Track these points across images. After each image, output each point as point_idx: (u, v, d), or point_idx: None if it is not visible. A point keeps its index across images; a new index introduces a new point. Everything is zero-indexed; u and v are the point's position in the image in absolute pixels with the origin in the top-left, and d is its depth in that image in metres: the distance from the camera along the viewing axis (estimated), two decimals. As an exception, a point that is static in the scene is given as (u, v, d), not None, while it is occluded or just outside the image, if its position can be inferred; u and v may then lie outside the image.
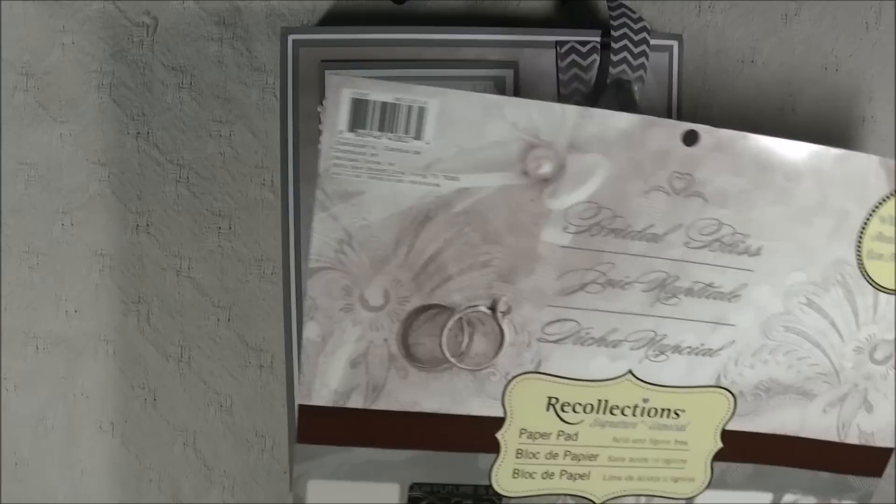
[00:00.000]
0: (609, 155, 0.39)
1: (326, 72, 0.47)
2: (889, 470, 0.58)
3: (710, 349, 0.43)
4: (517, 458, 0.44)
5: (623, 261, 0.41)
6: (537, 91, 0.47)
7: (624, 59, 0.46)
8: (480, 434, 0.43)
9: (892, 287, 0.44)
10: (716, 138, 0.40)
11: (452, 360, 0.41)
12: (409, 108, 0.38)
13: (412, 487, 0.43)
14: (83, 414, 0.54)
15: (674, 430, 0.45)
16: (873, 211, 0.42)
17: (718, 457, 0.46)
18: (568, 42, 0.47)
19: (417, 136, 0.38)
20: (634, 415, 0.44)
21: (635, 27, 0.46)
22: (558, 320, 0.41)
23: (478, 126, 0.37)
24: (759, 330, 0.43)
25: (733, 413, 0.45)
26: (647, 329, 0.43)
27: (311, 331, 0.39)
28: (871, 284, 0.44)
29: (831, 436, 0.46)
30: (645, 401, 0.44)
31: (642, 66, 0.46)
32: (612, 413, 0.44)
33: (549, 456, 0.44)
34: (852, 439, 0.47)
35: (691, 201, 0.41)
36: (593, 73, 0.47)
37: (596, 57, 0.47)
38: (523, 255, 0.40)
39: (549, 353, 0.42)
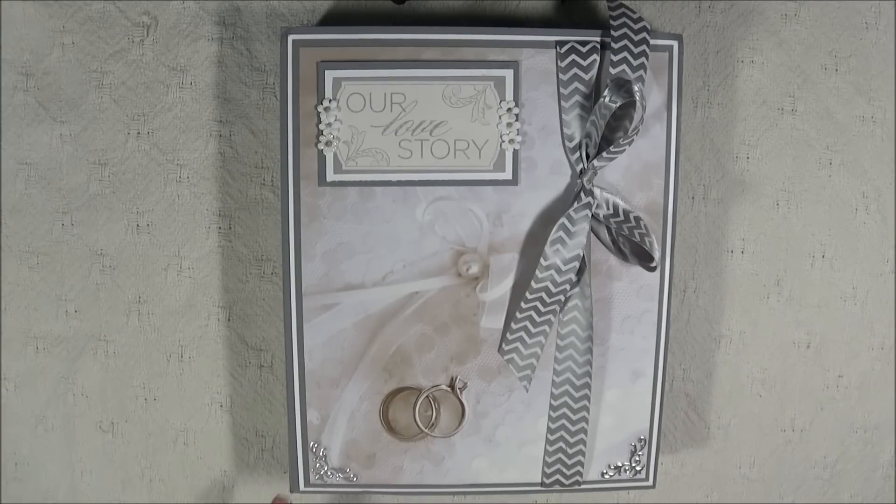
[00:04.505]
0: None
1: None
2: (889, 470, 0.58)
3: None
4: None
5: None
6: (537, 91, 0.47)
7: (624, 59, 0.46)
8: None
9: None
10: None
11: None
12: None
13: None
14: (83, 414, 0.54)
15: None
16: None
17: None
18: (568, 42, 0.47)
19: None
20: None
21: (635, 27, 0.46)
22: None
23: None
24: None
25: None
26: None
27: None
28: None
29: None
30: None
31: (642, 66, 0.46)
32: None
33: None
34: None
35: None
36: (593, 73, 0.47)
37: (596, 57, 0.47)
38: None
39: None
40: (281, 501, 0.50)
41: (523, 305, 0.47)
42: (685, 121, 0.53)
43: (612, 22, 0.46)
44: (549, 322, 0.48)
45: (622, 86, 0.44)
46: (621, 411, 0.51)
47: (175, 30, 0.51)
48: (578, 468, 0.51)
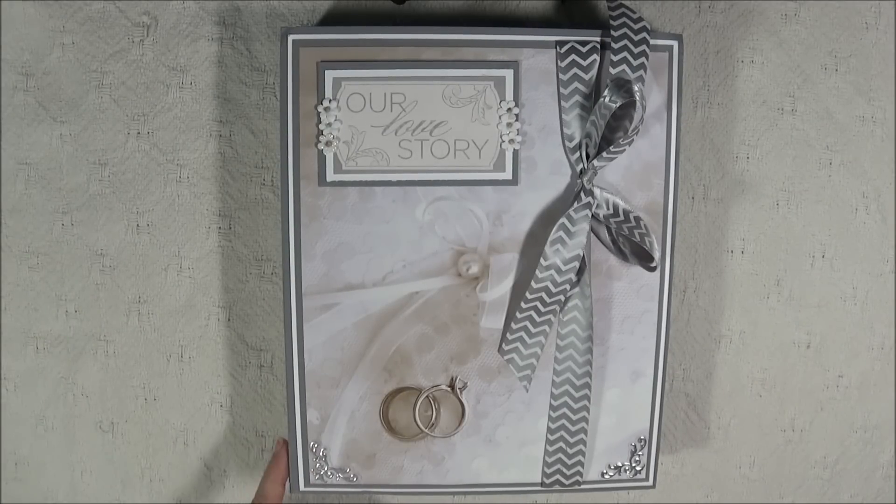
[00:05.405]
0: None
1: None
2: (889, 470, 0.58)
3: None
4: None
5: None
6: (537, 91, 0.47)
7: (624, 59, 0.46)
8: None
9: None
10: None
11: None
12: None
13: None
14: (83, 414, 0.54)
15: None
16: None
17: None
18: (568, 42, 0.47)
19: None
20: None
21: (635, 27, 0.46)
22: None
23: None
24: None
25: None
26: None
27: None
28: None
29: None
30: None
31: (642, 66, 0.46)
32: None
33: None
34: None
35: None
36: (593, 73, 0.47)
37: (596, 57, 0.47)
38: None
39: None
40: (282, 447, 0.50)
41: (523, 305, 0.47)
42: (685, 121, 0.53)
43: (612, 22, 0.46)
44: (549, 322, 0.48)
45: (622, 86, 0.44)
46: (621, 411, 0.51)
47: (175, 30, 0.51)
48: (578, 468, 0.51)
